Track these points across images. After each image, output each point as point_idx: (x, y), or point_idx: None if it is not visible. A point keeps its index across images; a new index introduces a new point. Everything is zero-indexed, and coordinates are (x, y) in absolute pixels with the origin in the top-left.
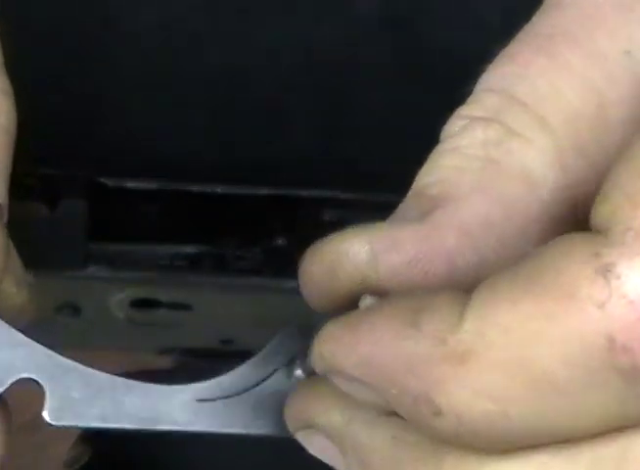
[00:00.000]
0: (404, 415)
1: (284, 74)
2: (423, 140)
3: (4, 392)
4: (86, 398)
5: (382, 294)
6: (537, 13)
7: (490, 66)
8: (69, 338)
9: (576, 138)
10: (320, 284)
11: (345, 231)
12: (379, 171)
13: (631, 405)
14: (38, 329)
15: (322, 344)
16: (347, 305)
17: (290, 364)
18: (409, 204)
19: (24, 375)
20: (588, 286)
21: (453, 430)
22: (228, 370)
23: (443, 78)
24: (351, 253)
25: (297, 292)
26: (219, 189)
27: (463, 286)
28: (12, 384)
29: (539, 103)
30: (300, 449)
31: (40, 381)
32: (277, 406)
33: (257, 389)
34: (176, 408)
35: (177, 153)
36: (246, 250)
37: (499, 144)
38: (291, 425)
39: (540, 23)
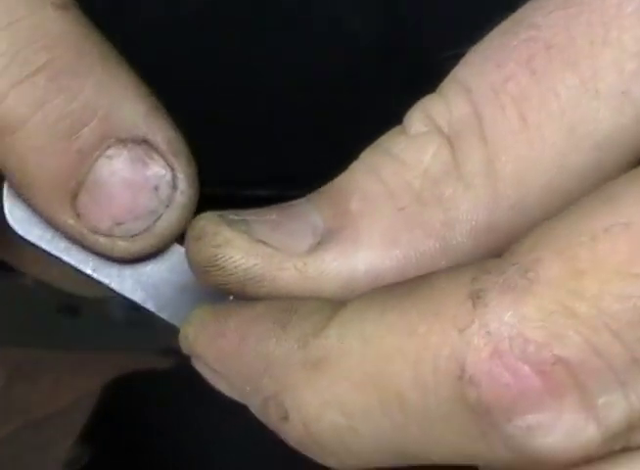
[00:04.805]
0: (255, 414)
1: (284, 77)
2: None
3: None
4: None
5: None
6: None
7: (482, 53)
8: (70, 339)
9: (522, 194)
10: (200, 268)
11: (225, 229)
12: None
13: (481, 443)
14: (39, 330)
15: (188, 326)
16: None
17: None
18: (318, 204)
19: None
20: (455, 307)
21: (298, 438)
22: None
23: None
24: (222, 258)
25: None
26: (219, 190)
27: None
28: None
29: (500, 141)
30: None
31: None
32: None
33: None
34: None
35: None
36: None
37: (436, 183)
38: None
39: (542, 20)
